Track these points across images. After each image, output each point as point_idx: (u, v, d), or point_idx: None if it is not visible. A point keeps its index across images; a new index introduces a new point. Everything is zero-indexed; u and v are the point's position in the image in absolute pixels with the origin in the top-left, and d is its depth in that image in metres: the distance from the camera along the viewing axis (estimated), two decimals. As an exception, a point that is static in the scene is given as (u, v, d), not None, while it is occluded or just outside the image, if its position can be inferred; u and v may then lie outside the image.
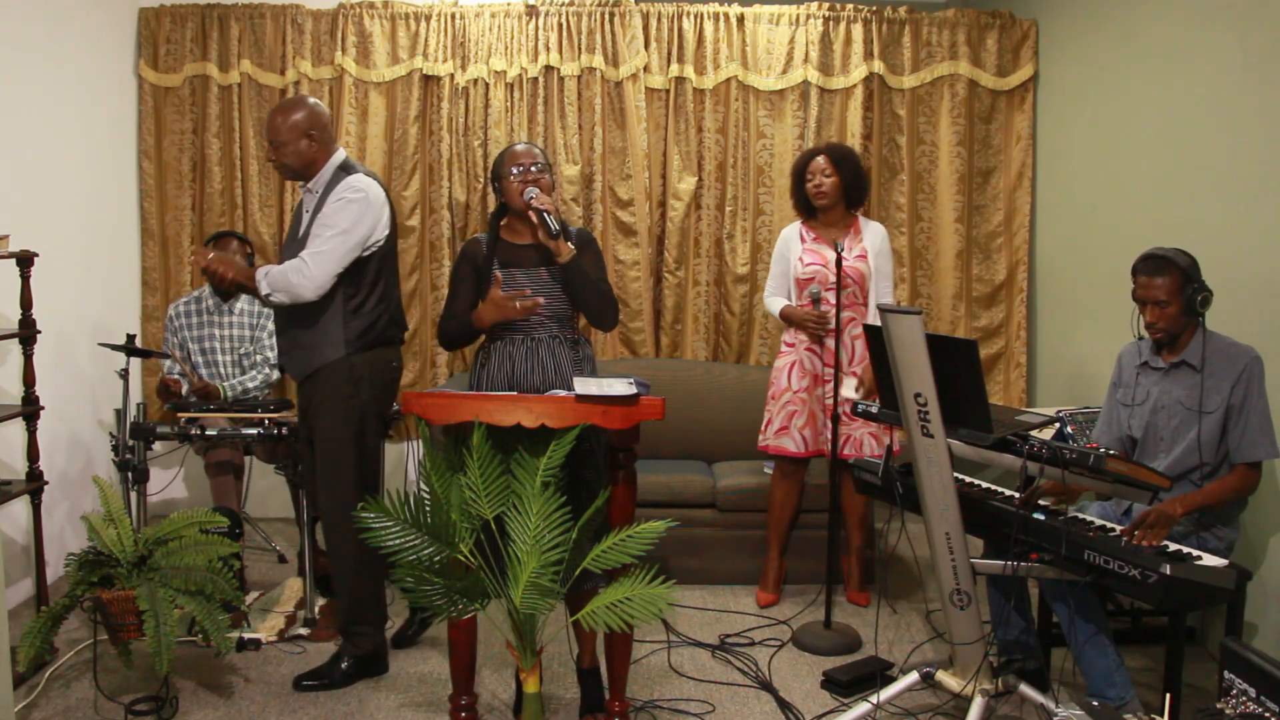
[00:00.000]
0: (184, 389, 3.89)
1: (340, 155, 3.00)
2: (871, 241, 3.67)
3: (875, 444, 3.61)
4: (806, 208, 3.76)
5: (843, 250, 3.51)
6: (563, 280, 2.79)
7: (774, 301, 3.80)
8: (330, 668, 3.04)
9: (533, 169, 2.78)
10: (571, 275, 2.77)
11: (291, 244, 2.99)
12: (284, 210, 4.58)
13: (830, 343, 3.58)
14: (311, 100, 2.99)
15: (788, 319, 3.70)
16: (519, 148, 2.83)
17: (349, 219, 2.88)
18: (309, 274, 2.85)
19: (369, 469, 3.04)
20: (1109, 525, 2.54)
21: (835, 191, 3.65)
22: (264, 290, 2.87)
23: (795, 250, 3.71)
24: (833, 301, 3.56)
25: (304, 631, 3.39)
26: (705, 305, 4.68)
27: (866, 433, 3.63)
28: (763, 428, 3.78)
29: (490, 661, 3.18)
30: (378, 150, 4.60)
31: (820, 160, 3.66)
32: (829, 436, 3.56)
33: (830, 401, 3.55)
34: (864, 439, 3.63)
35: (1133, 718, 2.05)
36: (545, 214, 2.72)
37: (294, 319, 2.95)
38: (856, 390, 3.54)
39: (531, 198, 2.74)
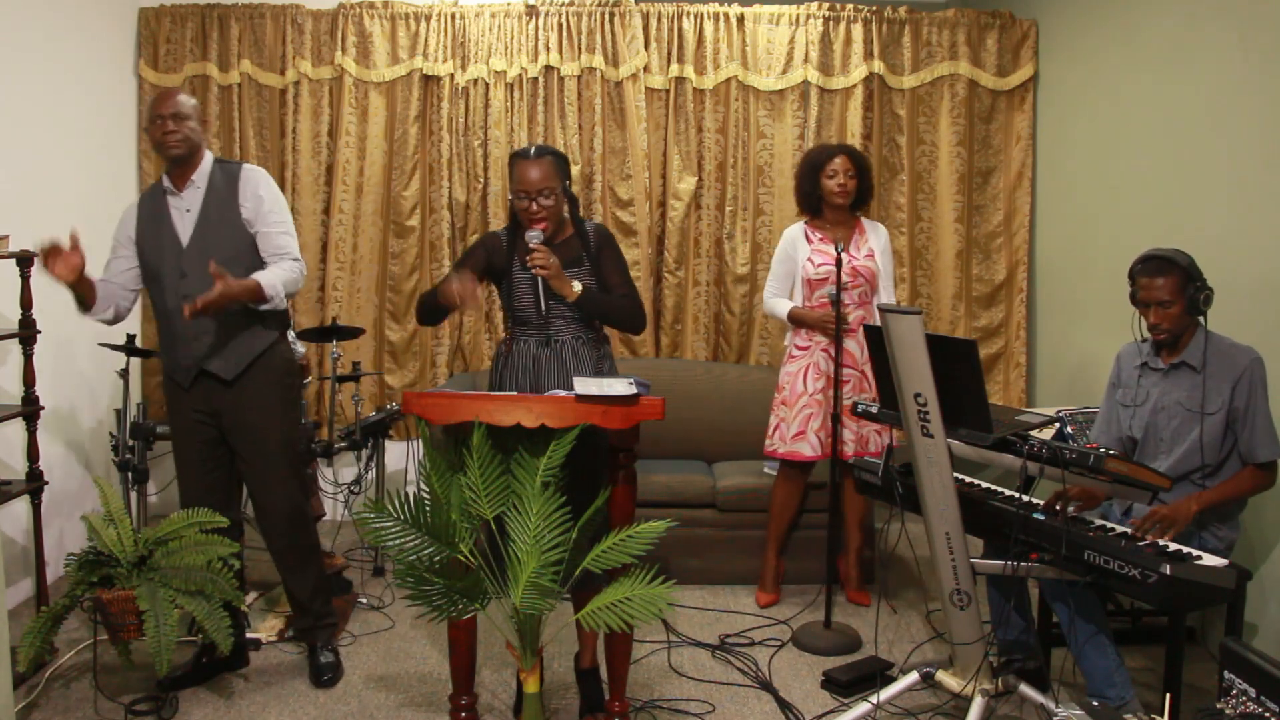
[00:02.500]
0: None
1: (211, 154, 2.95)
2: (877, 241, 3.68)
3: (880, 442, 3.60)
4: (811, 205, 3.70)
5: (849, 250, 3.50)
6: (579, 309, 2.75)
7: (779, 303, 3.71)
8: (323, 662, 3.06)
9: (539, 199, 2.67)
10: (586, 306, 2.74)
11: (185, 248, 2.84)
12: (284, 210, 4.58)
13: (848, 344, 3.56)
14: None
15: (800, 321, 3.63)
16: (528, 162, 2.67)
17: (283, 202, 2.95)
18: (298, 265, 2.89)
19: (303, 454, 3.07)
20: (1109, 525, 2.54)
21: (854, 193, 3.64)
22: (274, 293, 2.80)
23: (803, 251, 3.65)
24: (846, 302, 3.55)
25: (304, 631, 3.39)
26: (705, 305, 4.68)
27: (873, 431, 3.62)
28: (770, 432, 3.71)
29: (490, 661, 3.18)
30: (378, 150, 4.59)
31: (843, 160, 3.61)
32: (843, 437, 3.55)
33: (846, 402, 3.52)
34: (869, 437, 3.62)
35: (1133, 718, 2.05)
36: (543, 279, 2.66)
37: (224, 316, 2.84)
38: None
39: (534, 246, 2.65)
